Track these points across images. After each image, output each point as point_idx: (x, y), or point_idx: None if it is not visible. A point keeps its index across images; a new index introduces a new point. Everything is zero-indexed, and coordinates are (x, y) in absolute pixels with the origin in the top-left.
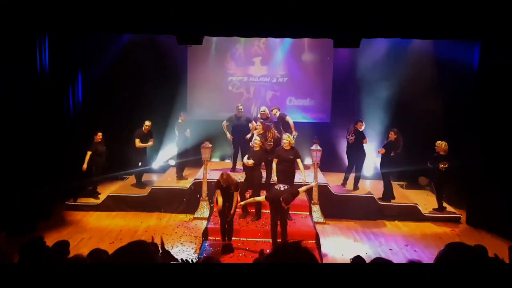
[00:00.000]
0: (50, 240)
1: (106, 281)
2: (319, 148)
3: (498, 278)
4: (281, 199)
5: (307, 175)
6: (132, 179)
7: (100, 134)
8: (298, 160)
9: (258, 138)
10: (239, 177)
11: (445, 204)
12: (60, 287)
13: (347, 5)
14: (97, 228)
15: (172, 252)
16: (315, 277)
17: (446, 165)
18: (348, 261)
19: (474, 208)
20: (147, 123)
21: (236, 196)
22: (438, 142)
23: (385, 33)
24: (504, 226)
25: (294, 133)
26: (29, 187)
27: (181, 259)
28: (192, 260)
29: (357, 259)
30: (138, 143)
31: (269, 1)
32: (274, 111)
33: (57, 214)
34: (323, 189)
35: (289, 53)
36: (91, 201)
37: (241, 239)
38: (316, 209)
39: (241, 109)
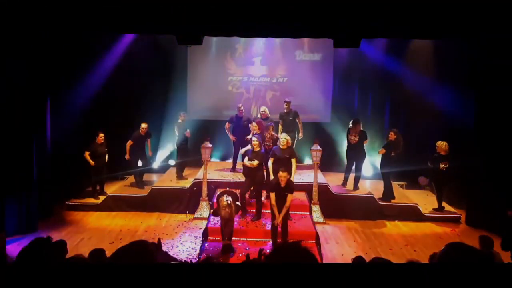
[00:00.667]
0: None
1: (106, 281)
2: (319, 148)
3: (498, 278)
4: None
5: (307, 175)
6: (132, 179)
7: (101, 135)
8: (293, 160)
9: (255, 138)
10: (239, 177)
11: (444, 204)
12: (60, 287)
13: (347, 5)
14: (97, 228)
15: (171, 253)
16: (315, 277)
17: (447, 165)
18: (349, 261)
19: (473, 208)
20: (143, 125)
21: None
22: (439, 142)
23: (385, 33)
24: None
25: (300, 135)
26: (29, 187)
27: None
28: (191, 260)
29: (358, 259)
30: (128, 145)
31: (269, 1)
32: (286, 106)
33: (57, 214)
34: (323, 189)
35: (289, 53)
36: (91, 201)
37: (241, 239)
38: (316, 209)
39: (242, 109)
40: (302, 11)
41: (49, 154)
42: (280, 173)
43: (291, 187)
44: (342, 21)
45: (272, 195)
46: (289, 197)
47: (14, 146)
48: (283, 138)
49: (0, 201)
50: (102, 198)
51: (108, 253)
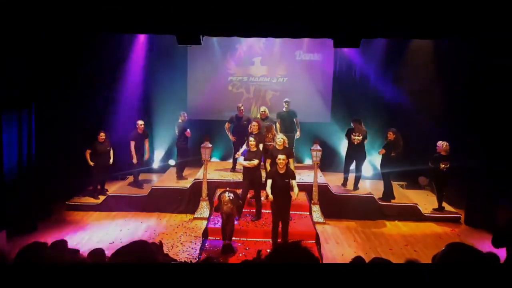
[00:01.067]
0: (50, 240)
1: (106, 281)
2: (319, 148)
3: (498, 278)
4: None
5: (307, 175)
6: (131, 179)
7: (102, 134)
8: (290, 160)
9: (252, 138)
10: (239, 177)
11: (444, 204)
12: (60, 287)
13: (347, 5)
14: (97, 228)
15: (171, 253)
16: (315, 277)
17: (448, 165)
18: (348, 262)
19: (473, 208)
20: (140, 122)
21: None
22: (440, 142)
23: (385, 33)
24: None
25: (298, 134)
26: (30, 187)
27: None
28: (191, 260)
29: (357, 260)
30: (132, 147)
31: (269, 1)
32: (286, 106)
33: (57, 214)
34: (323, 189)
35: (289, 53)
36: (91, 201)
37: (241, 239)
38: (316, 209)
39: (242, 109)
40: (302, 11)
41: (49, 153)
42: (279, 156)
43: (291, 173)
44: (342, 21)
45: (269, 181)
46: (293, 182)
47: (13, 145)
48: (280, 138)
49: (1, 200)
50: (102, 198)
51: (108, 253)
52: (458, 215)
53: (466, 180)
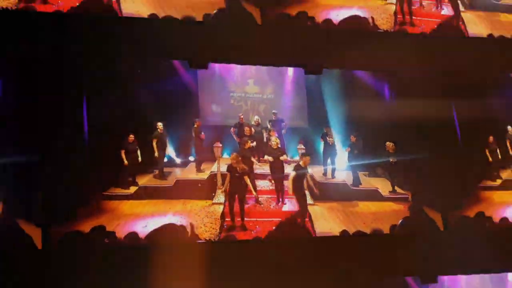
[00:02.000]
0: (89, 226)
1: (142, 261)
2: (303, 147)
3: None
4: None
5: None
6: (158, 172)
7: (131, 136)
8: (284, 156)
9: (248, 139)
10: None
11: (396, 188)
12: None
13: (312, 45)
14: (131, 214)
15: (197, 232)
16: (310, 247)
17: (395, 160)
18: (336, 234)
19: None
20: (159, 124)
21: (247, 180)
22: (387, 143)
23: (341, 65)
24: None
25: (284, 131)
26: (70, 179)
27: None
28: (214, 239)
29: (344, 233)
30: (154, 144)
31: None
32: (274, 116)
33: (95, 203)
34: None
35: (275, 75)
36: (125, 191)
37: (251, 219)
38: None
39: (242, 117)
40: (281, 49)
41: (87, 148)
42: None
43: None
44: (307, 55)
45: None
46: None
47: (52, 140)
48: (273, 141)
49: (44, 191)
50: (134, 189)
51: (142, 236)
52: (407, 195)
53: (410, 169)
